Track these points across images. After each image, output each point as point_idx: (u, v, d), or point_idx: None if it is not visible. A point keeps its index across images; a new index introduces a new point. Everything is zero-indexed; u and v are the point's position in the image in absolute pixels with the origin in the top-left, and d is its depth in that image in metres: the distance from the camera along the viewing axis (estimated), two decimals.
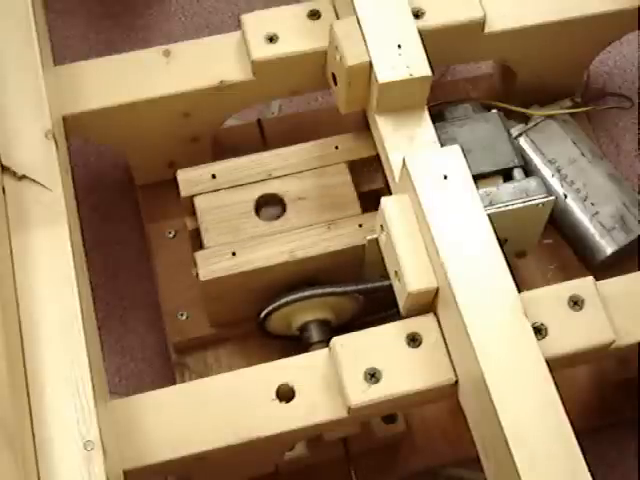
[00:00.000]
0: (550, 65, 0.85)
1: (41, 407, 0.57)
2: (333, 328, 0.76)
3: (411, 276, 0.64)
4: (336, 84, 0.75)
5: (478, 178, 0.70)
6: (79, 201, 0.71)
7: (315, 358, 0.66)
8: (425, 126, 0.72)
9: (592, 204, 0.84)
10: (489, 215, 0.65)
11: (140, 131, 0.79)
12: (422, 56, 0.71)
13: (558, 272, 0.86)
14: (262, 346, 0.79)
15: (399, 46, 0.71)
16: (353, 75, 0.71)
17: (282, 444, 0.69)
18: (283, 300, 0.74)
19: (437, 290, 0.64)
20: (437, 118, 0.76)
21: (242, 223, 0.74)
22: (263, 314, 0.75)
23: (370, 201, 0.75)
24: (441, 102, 0.81)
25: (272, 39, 0.76)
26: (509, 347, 0.60)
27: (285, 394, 0.63)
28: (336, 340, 0.65)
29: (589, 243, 0.84)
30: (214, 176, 0.76)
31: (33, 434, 0.56)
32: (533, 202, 0.71)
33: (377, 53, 0.70)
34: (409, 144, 0.71)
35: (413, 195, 0.65)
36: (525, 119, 0.88)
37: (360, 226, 0.74)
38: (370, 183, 0.77)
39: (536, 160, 0.86)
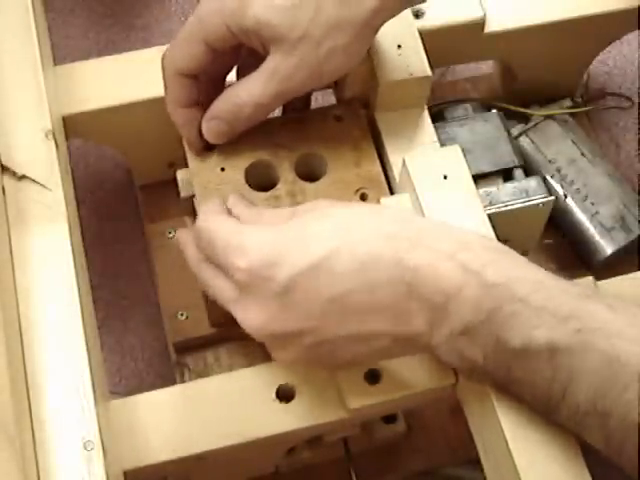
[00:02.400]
0: (550, 65, 0.85)
1: (41, 407, 0.57)
2: None
3: None
4: (336, 84, 0.75)
5: (478, 178, 0.71)
6: (79, 201, 0.71)
7: None
8: (425, 126, 0.72)
9: (592, 204, 0.84)
10: (489, 215, 0.65)
11: (140, 131, 0.79)
12: (422, 56, 0.71)
13: (558, 272, 0.85)
14: (262, 346, 0.79)
15: (399, 46, 0.71)
16: (353, 75, 0.71)
17: (282, 444, 0.69)
18: None
19: None
20: (437, 118, 0.76)
21: None
22: None
23: None
24: (441, 102, 0.81)
25: None
26: None
27: (285, 394, 0.63)
28: None
29: (589, 243, 0.84)
30: None
31: (33, 434, 0.56)
32: (533, 202, 0.71)
33: (377, 53, 0.70)
34: (409, 144, 0.71)
35: (413, 195, 0.65)
36: (525, 119, 0.88)
37: None
38: None
39: (536, 160, 0.86)
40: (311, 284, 0.54)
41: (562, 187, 0.85)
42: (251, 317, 0.56)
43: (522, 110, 0.87)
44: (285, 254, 0.54)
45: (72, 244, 0.63)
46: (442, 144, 0.71)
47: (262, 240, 0.55)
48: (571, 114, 0.89)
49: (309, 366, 0.61)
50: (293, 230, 0.56)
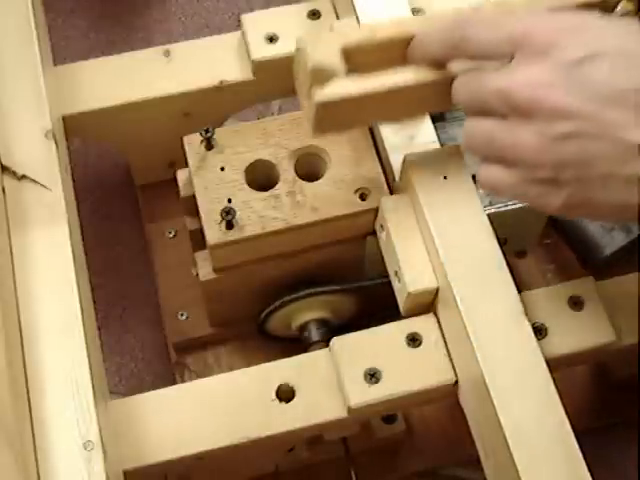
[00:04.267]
0: None
1: (41, 407, 0.57)
2: (333, 328, 0.76)
3: (411, 276, 0.64)
4: None
5: None
6: (79, 201, 0.71)
7: (315, 358, 0.66)
8: (425, 126, 0.72)
9: None
10: (489, 215, 0.65)
11: (140, 131, 0.79)
12: None
13: (558, 272, 0.86)
14: (262, 346, 0.79)
15: None
16: None
17: (282, 444, 0.69)
18: (286, 298, 0.74)
19: (437, 290, 0.64)
20: (437, 118, 0.76)
21: None
22: (264, 314, 0.75)
23: None
24: None
25: (272, 39, 0.76)
26: (509, 347, 0.60)
27: (285, 394, 0.63)
28: (336, 340, 0.65)
29: (589, 243, 0.84)
30: None
31: (33, 434, 0.56)
32: None
33: None
34: (409, 144, 0.71)
35: (413, 195, 0.65)
36: None
37: None
38: None
39: None
40: (619, 64, 0.49)
41: None
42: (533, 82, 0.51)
43: None
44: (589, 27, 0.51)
45: (72, 244, 0.63)
46: (442, 144, 0.71)
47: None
48: None
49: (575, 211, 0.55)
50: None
